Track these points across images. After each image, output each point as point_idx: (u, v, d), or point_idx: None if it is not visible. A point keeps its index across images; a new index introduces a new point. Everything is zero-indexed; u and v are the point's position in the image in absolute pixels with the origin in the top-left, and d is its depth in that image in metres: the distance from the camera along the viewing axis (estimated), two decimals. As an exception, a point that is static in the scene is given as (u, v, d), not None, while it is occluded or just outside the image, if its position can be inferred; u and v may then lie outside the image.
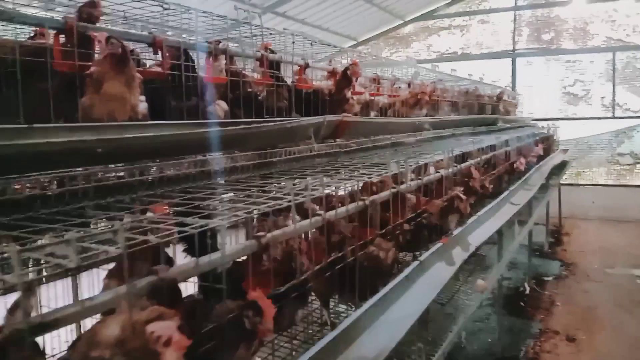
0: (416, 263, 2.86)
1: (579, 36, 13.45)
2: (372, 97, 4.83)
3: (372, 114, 5.07)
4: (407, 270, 2.76)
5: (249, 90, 3.21)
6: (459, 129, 6.21)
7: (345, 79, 3.60)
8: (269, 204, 1.74)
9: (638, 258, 9.16)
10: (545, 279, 8.27)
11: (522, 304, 7.21)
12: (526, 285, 7.83)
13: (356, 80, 4.33)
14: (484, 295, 3.55)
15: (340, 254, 2.22)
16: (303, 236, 2.27)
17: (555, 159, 9.56)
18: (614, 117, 13.01)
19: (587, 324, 6.47)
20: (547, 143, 9.61)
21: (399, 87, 5.66)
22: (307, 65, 3.60)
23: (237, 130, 2.58)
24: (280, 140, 2.98)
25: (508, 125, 9.14)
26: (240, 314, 1.42)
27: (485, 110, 8.35)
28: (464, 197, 3.91)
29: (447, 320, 3.78)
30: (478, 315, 6.68)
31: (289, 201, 1.78)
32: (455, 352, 5.31)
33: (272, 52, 3.45)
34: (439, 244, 3.25)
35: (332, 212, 2.17)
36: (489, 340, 6.04)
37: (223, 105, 2.91)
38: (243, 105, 3.15)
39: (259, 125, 2.62)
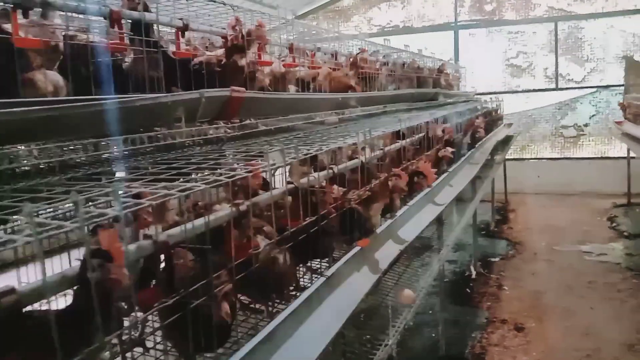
0: (320, 281, 2.19)
1: (521, 6, 13.07)
2: (289, 69, 4.10)
3: (292, 89, 4.36)
4: (305, 294, 2.08)
5: (100, 59, 2.43)
6: (393, 105, 5.57)
7: (234, 45, 2.86)
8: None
9: (584, 233, 8.91)
10: (492, 260, 7.86)
11: (468, 290, 6.75)
12: (472, 268, 7.38)
13: (260, 48, 3.60)
14: (412, 307, 2.94)
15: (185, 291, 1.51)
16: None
17: (499, 134, 9.13)
18: (557, 89, 12.76)
19: (536, 310, 6.05)
20: (491, 118, 9.16)
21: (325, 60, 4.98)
22: (185, 27, 2.83)
23: (55, 112, 1.81)
24: (133, 124, 2.23)
25: (449, 100, 8.60)
26: None
27: (425, 84, 7.77)
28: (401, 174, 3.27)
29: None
30: (421, 306, 6.15)
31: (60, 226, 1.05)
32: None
33: (146, 8, 2.67)
34: (356, 249, 2.59)
35: (172, 231, 1.45)
36: (433, 335, 5.52)
37: (51, 77, 2.12)
38: (96, 77, 2.38)
39: (88, 104, 1.86)
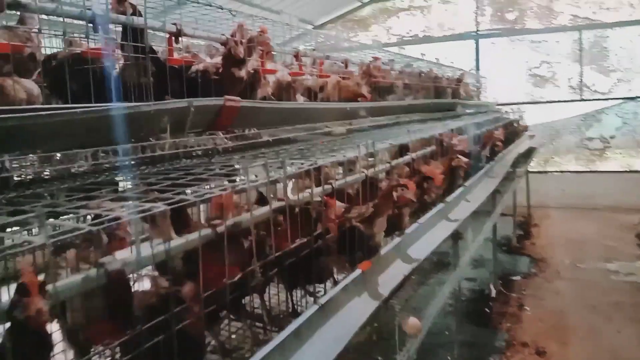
0: (313, 309, 1.98)
1: (544, 15, 12.75)
2: (296, 78, 3.92)
3: (300, 98, 4.18)
4: (296, 323, 1.88)
5: (87, 66, 2.28)
6: (407, 116, 5.34)
7: (231, 55, 2.69)
8: None
9: (610, 250, 8.52)
10: (513, 278, 7.53)
11: (487, 310, 6.45)
12: (492, 286, 7.07)
13: (263, 56, 3.44)
14: (418, 338, 2.70)
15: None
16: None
17: (521, 146, 8.81)
18: (581, 100, 12.37)
19: (558, 332, 5.72)
20: (512, 129, 8.86)
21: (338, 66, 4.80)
22: (179, 33, 2.67)
23: (19, 121, 1.65)
24: (112, 135, 2.06)
25: (469, 110, 8.34)
26: None
27: (443, 94, 7.53)
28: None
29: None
30: (437, 327, 5.87)
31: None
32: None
33: (134, 12, 2.51)
34: (356, 272, 2.38)
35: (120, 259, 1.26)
36: (448, 358, 5.24)
37: (24, 84, 1.97)
38: (81, 84, 2.23)
39: (55, 113, 1.69)
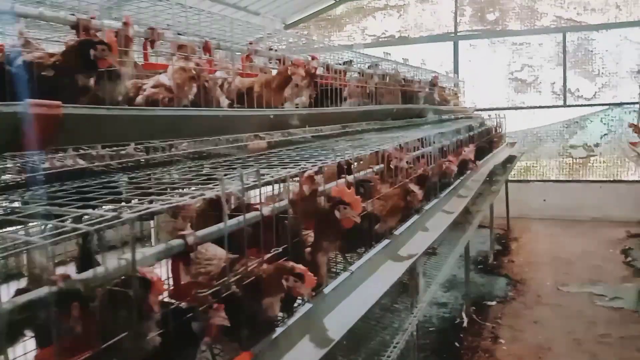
0: None
1: (526, 16, 12.05)
2: (207, 76, 3.08)
3: (225, 102, 3.36)
4: None
5: None
6: (358, 125, 4.54)
7: (80, 56, 1.87)
8: None
9: (595, 270, 7.82)
10: (488, 303, 6.77)
11: (456, 343, 5.66)
12: (463, 314, 6.30)
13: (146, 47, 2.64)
14: None
15: None
16: None
17: (498, 155, 8.08)
18: (565, 106, 11.70)
19: (537, 374, 4.97)
20: (489, 137, 8.12)
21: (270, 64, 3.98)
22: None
23: None
24: None
25: (444, 117, 7.58)
26: None
27: (414, 99, 6.76)
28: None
29: None
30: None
31: None
32: None
33: None
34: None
35: None
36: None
37: None
38: None
39: None
